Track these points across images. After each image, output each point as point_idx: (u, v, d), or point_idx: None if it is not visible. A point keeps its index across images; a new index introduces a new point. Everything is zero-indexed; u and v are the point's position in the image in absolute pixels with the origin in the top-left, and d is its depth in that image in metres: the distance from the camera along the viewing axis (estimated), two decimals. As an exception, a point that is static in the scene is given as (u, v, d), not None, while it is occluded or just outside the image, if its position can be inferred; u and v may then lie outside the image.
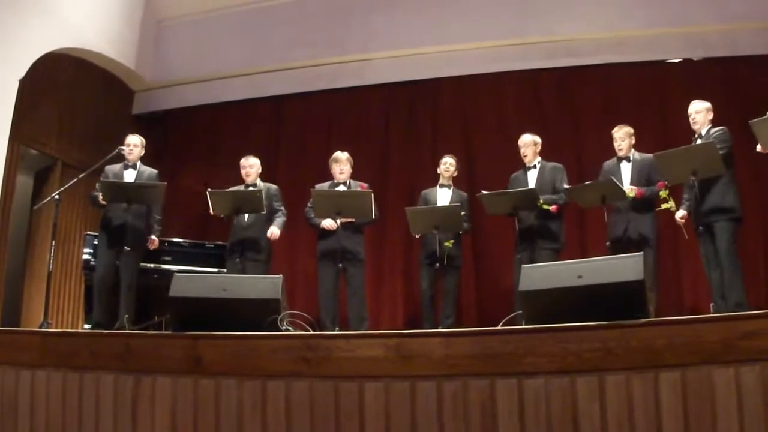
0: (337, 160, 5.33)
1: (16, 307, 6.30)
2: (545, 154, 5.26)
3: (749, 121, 4.12)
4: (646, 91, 6.27)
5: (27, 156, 6.41)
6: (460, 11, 6.68)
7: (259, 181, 5.45)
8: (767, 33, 5.88)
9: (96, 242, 5.58)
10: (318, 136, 7.07)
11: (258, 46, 7.26)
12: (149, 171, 5.37)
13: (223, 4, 7.37)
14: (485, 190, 5.07)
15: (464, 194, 5.46)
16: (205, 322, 3.21)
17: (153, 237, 5.32)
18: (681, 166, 4.34)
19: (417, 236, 5.34)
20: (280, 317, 3.26)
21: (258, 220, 5.27)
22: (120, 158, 5.36)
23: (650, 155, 4.71)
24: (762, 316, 2.60)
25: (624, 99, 6.28)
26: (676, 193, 4.66)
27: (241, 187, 5.40)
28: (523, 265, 3.29)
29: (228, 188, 5.40)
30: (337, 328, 4.97)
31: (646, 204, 4.76)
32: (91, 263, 5.73)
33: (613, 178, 4.72)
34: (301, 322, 3.66)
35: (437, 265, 5.04)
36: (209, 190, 5.09)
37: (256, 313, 3.26)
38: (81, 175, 5.42)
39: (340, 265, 5.05)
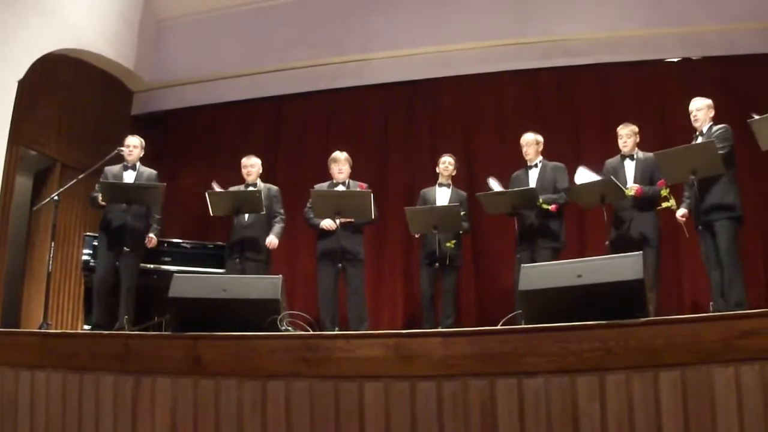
0: (335, 160, 5.33)
1: (16, 308, 6.30)
2: (544, 153, 5.26)
3: (748, 120, 4.12)
4: (644, 91, 6.27)
5: (26, 157, 6.41)
6: (459, 11, 6.68)
7: (259, 182, 5.45)
8: (765, 33, 5.88)
9: (95, 243, 5.58)
10: (317, 136, 7.07)
11: (257, 46, 7.26)
12: (149, 172, 5.37)
13: (222, 4, 7.37)
14: (484, 190, 5.07)
15: (463, 193, 5.46)
16: (204, 323, 3.21)
17: (151, 235, 5.31)
18: (680, 165, 4.34)
19: (416, 236, 5.34)
20: (279, 317, 3.26)
21: (258, 220, 5.27)
22: (119, 159, 5.36)
23: (651, 154, 4.71)
24: (761, 315, 2.60)
25: (623, 98, 6.28)
26: (676, 192, 4.67)
27: (241, 187, 5.40)
28: (522, 265, 3.29)
29: (228, 188, 5.41)
30: (336, 329, 4.97)
31: (648, 203, 4.76)
32: (91, 264, 5.74)
33: (612, 177, 4.72)
34: (301, 323, 3.66)
35: (437, 264, 5.04)
36: (208, 191, 5.09)
37: (256, 314, 3.26)
38: (80, 176, 5.42)
39: (340, 265, 5.06)
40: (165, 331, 4.91)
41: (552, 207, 4.90)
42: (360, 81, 7.01)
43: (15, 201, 6.17)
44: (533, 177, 5.14)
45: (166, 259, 6.01)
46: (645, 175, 4.82)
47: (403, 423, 2.80)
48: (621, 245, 4.58)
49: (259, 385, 3.00)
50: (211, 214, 5.15)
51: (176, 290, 3.36)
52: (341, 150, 5.41)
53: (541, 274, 3.08)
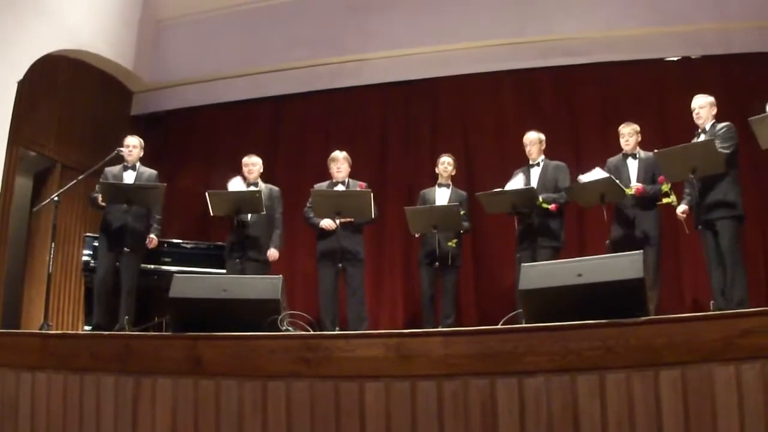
0: (334, 159, 5.33)
1: (16, 309, 6.30)
2: (544, 152, 5.25)
3: (748, 119, 4.12)
4: (644, 90, 6.27)
5: (26, 158, 6.41)
6: (457, 11, 6.68)
7: (260, 181, 5.46)
8: (763, 31, 5.88)
9: (96, 244, 5.58)
10: (317, 136, 7.07)
11: (257, 46, 7.26)
12: (149, 172, 5.37)
13: (221, 4, 7.36)
14: (484, 189, 5.07)
15: (463, 193, 5.46)
16: (205, 323, 3.21)
17: (152, 236, 5.31)
18: (680, 163, 4.33)
19: (416, 235, 5.34)
20: (280, 318, 3.26)
21: (258, 220, 5.27)
22: (119, 159, 5.36)
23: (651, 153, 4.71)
24: (761, 314, 2.60)
25: (622, 97, 6.28)
26: (677, 188, 4.66)
27: (242, 186, 5.39)
28: (522, 264, 3.29)
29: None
30: (337, 328, 4.97)
31: (649, 201, 4.76)
32: (91, 265, 5.73)
33: (611, 176, 4.72)
34: (301, 323, 3.66)
35: (437, 264, 5.04)
36: (208, 191, 5.09)
37: (256, 314, 3.26)
38: (80, 177, 5.42)
39: (340, 265, 5.05)
40: (165, 331, 4.91)
41: (552, 206, 4.90)
42: (359, 81, 7.01)
43: (15, 202, 6.17)
44: (535, 175, 5.14)
45: (167, 259, 6.01)
46: (648, 174, 4.82)
47: (403, 423, 2.80)
48: (622, 244, 4.58)
49: (260, 385, 3.00)
50: (212, 214, 5.15)
51: (176, 290, 3.36)
52: (340, 150, 5.41)
53: (541, 273, 3.08)
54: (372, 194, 4.92)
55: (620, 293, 2.78)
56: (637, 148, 4.94)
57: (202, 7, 7.44)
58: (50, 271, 5.06)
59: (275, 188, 5.53)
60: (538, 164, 5.17)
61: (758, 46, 5.91)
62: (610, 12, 6.31)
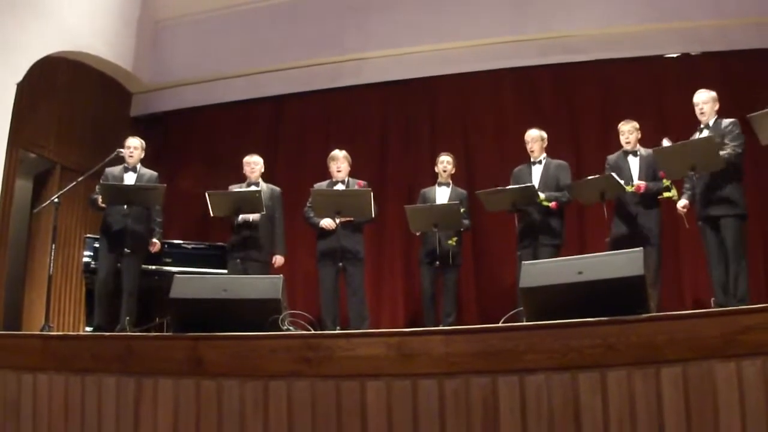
0: (334, 159, 5.33)
1: (17, 311, 6.30)
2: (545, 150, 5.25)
3: (748, 116, 4.12)
4: (643, 87, 6.26)
5: (26, 160, 6.41)
6: (457, 10, 6.67)
7: (261, 181, 5.46)
8: (762, 28, 5.88)
9: (96, 245, 5.58)
10: (317, 136, 7.07)
11: (256, 46, 7.25)
12: (149, 174, 5.37)
13: (220, 4, 7.36)
14: (485, 187, 5.06)
15: (463, 192, 5.46)
16: (205, 323, 3.21)
17: (155, 240, 5.32)
18: (679, 161, 4.33)
19: (417, 234, 5.34)
20: (280, 317, 3.26)
21: (260, 220, 5.27)
22: (119, 161, 5.36)
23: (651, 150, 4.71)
24: (762, 310, 2.60)
25: (621, 95, 6.27)
26: (677, 182, 4.66)
27: (243, 186, 5.40)
28: (523, 262, 3.29)
29: (228, 188, 5.41)
30: (338, 328, 4.97)
31: (652, 199, 4.76)
32: (92, 266, 5.73)
33: (612, 173, 4.71)
34: (302, 322, 3.66)
35: (437, 263, 5.04)
36: (208, 191, 5.09)
37: (257, 314, 3.26)
38: (80, 178, 5.43)
39: (340, 264, 5.05)
40: (166, 332, 4.91)
41: (552, 204, 4.90)
42: (359, 80, 7.01)
43: (15, 204, 6.18)
44: (537, 173, 5.13)
45: (167, 260, 6.01)
46: (649, 171, 4.80)
47: (405, 421, 2.81)
48: (623, 242, 4.57)
49: (261, 385, 3.00)
50: (212, 215, 5.15)
51: (177, 291, 3.36)
52: (340, 149, 5.41)
53: (542, 271, 3.08)
54: (372, 193, 4.92)
55: (621, 290, 2.79)
56: (638, 145, 4.94)
57: (201, 8, 7.44)
58: (51, 272, 5.07)
59: (276, 188, 5.53)
60: (539, 162, 5.16)
61: (757, 43, 5.90)
62: (609, 9, 6.31)
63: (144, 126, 7.38)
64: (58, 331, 5.70)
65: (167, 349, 3.21)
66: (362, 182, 5.33)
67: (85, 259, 5.98)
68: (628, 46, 6.25)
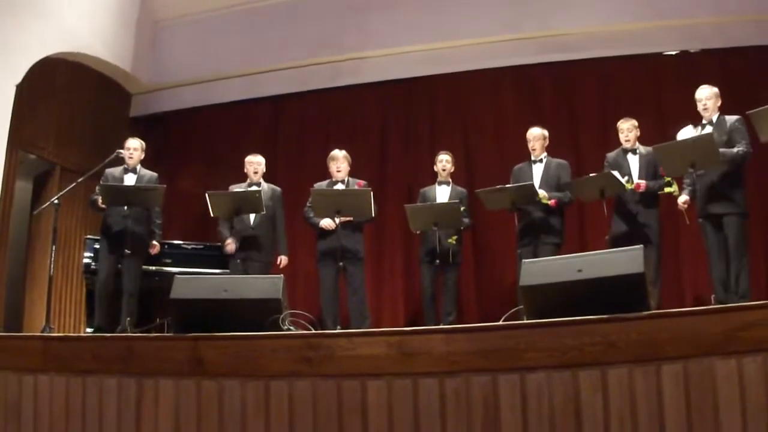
0: (334, 159, 5.33)
1: (18, 313, 6.30)
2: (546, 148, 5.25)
3: (748, 113, 4.12)
4: (642, 85, 6.26)
5: (26, 161, 6.41)
6: (456, 8, 6.67)
7: (262, 181, 5.46)
8: (761, 25, 5.87)
9: (96, 246, 5.58)
10: (316, 136, 7.07)
11: (255, 46, 7.25)
12: (149, 174, 5.37)
13: (219, 4, 7.35)
14: (484, 185, 5.06)
15: (463, 190, 5.46)
16: (206, 324, 3.21)
17: (154, 242, 5.32)
18: (679, 158, 4.33)
19: (417, 232, 5.34)
20: (281, 317, 3.26)
21: (261, 221, 5.27)
22: (119, 161, 5.36)
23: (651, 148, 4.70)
24: (762, 307, 2.60)
25: (620, 92, 6.27)
26: (677, 179, 4.65)
27: (243, 186, 5.40)
28: (523, 260, 3.29)
29: (229, 188, 5.41)
30: (338, 327, 4.97)
31: (652, 198, 4.76)
32: (92, 267, 5.73)
33: (611, 171, 4.71)
34: (303, 322, 3.66)
35: (437, 262, 5.04)
36: (208, 191, 5.09)
37: (258, 314, 3.26)
38: (80, 179, 5.42)
39: (340, 264, 5.05)
40: (167, 332, 4.91)
41: (551, 202, 4.90)
42: (358, 79, 7.01)
43: (15, 205, 6.18)
44: (537, 171, 5.13)
45: (167, 260, 6.01)
46: (650, 169, 4.80)
47: (405, 420, 2.81)
48: (623, 240, 4.58)
49: (262, 384, 3.00)
50: (212, 215, 5.15)
51: (178, 292, 3.36)
52: (340, 149, 5.41)
53: (542, 269, 3.08)
54: (372, 193, 4.93)
55: (621, 288, 2.78)
56: (637, 143, 4.94)
57: (200, 8, 7.43)
58: (51, 274, 5.07)
59: (277, 188, 5.53)
60: (540, 161, 5.16)
61: (756, 40, 5.90)
62: (608, 7, 6.30)
63: (143, 126, 7.39)
64: (58, 332, 5.70)
65: (168, 349, 3.21)
66: (362, 182, 5.33)
67: (86, 260, 5.98)
68: (627, 44, 6.24)
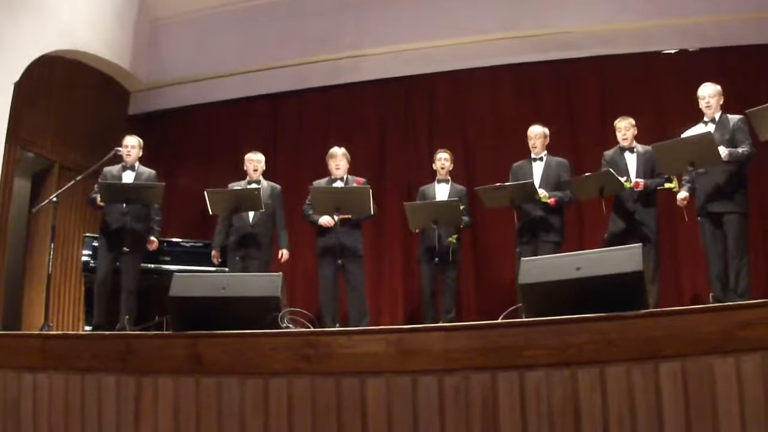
0: (333, 156, 5.33)
1: (17, 311, 6.30)
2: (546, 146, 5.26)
3: (747, 111, 4.12)
4: (641, 83, 6.26)
5: (24, 159, 6.40)
6: (454, 6, 6.67)
7: (262, 179, 5.46)
8: (760, 23, 5.88)
9: (95, 244, 5.58)
10: (315, 133, 7.06)
11: (253, 44, 7.25)
12: (148, 172, 5.36)
13: (217, 2, 7.34)
14: (484, 184, 5.06)
15: (462, 188, 5.46)
16: (205, 322, 3.21)
17: (152, 238, 5.32)
18: (678, 157, 4.33)
19: (416, 231, 5.34)
20: (280, 315, 3.26)
21: (260, 218, 5.27)
22: (117, 159, 5.35)
23: (650, 147, 4.70)
24: (761, 306, 2.60)
25: (620, 91, 6.27)
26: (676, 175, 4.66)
27: (242, 184, 5.40)
28: (522, 258, 3.30)
29: (228, 186, 5.41)
30: (337, 325, 4.97)
31: (649, 197, 4.76)
32: (91, 265, 5.73)
33: (611, 169, 4.71)
34: (302, 320, 3.67)
35: (436, 260, 5.04)
36: (207, 189, 5.09)
37: (256, 312, 3.26)
38: (78, 177, 5.42)
39: (339, 261, 5.05)
40: (166, 330, 4.91)
41: (551, 200, 4.91)
42: (356, 77, 7.00)
43: (14, 203, 6.17)
44: (538, 170, 5.13)
45: (166, 258, 6.01)
46: (647, 167, 4.80)
47: (405, 418, 2.81)
48: (620, 238, 4.58)
49: (261, 382, 3.00)
50: (210, 213, 5.15)
51: (176, 289, 3.36)
52: (339, 146, 5.41)
53: (540, 267, 3.09)
54: (370, 190, 4.93)
55: (619, 286, 2.79)
56: (634, 141, 4.94)
57: (199, 6, 7.42)
58: (50, 271, 5.07)
59: (276, 186, 5.53)
60: (540, 159, 5.16)
61: (755, 38, 5.90)
62: (607, 5, 6.30)
63: (142, 124, 7.37)
64: (57, 330, 5.70)
65: (167, 347, 3.21)
66: (361, 179, 5.33)
67: (84, 258, 5.98)
68: (626, 42, 6.24)
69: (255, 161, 5.43)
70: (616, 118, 5.04)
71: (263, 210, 5.16)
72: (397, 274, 6.62)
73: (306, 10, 7.15)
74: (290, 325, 3.35)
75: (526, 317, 2.99)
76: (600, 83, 6.44)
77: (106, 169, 5.34)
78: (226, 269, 5.43)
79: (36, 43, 6.10)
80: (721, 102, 4.54)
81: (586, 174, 4.86)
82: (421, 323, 5.06)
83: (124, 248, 5.05)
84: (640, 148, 4.90)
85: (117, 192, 5.04)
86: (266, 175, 5.63)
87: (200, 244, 6.27)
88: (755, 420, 2.46)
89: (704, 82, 4.62)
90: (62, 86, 6.68)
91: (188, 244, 6.26)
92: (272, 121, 7.39)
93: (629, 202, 4.78)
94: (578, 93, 6.50)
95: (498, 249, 6.17)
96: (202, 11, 7.45)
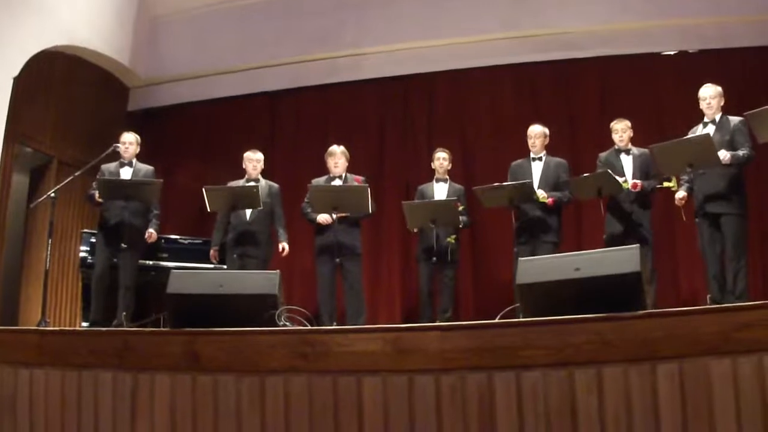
0: (332, 154, 5.33)
1: (14, 306, 6.29)
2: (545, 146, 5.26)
3: (746, 113, 4.13)
4: (641, 84, 6.26)
5: (22, 154, 6.40)
6: (454, 5, 6.67)
7: (261, 178, 5.45)
8: (760, 25, 5.88)
9: (93, 240, 5.57)
10: (313, 132, 7.06)
11: (253, 41, 7.24)
12: (146, 168, 5.36)
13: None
14: (482, 183, 5.06)
15: (461, 187, 5.46)
16: (202, 319, 3.21)
17: (151, 230, 5.31)
18: (677, 158, 4.33)
19: (414, 230, 5.33)
20: (277, 313, 3.26)
21: (258, 217, 5.27)
22: (115, 155, 5.35)
23: (646, 150, 4.70)
24: (758, 307, 2.60)
25: (619, 91, 6.27)
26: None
27: (241, 182, 5.39)
28: (520, 258, 3.30)
29: (226, 184, 5.41)
30: (335, 323, 4.97)
31: (646, 199, 4.76)
32: (88, 261, 5.73)
33: (609, 170, 4.71)
34: (299, 318, 3.67)
35: (434, 259, 5.04)
36: (205, 186, 5.08)
37: (254, 309, 3.26)
38: (77, 173, 5.42)
39: (337, 260, 5.05)
40: (163, 327, 4.91)
41: (549, 200, 4.90)
42: (355, 76, 7.00)
43: (12, 198, 6.16)
44: (537, 169, 5.12)
45: (164, 255, 6.00)
46: (643, 169, 4.81)
47: (401, 417, 2.81)
48: (618, 240, 4.58)
49: (258, 380, 3.00)
50: (209, 210, 5.15)
51: (174, 286, 3.36)
52: (338, 144, 5.41)
53: (538, 267, 3.09)
54: (369, 188, 4.93)
55: (617, 287, 2.79)
56: (629, 143, 4.94)
57: (198, 3, 7.42)
58: (47, 267, 5.06)
59: (274, 185, 5.52)
60: (540, 158, 5.16)
61: (755, 40, 5.90)
62: (608, 6, 6.30)
63: (141, 120, 7.37)
64: (54, 326, 5.68)
65: (164, 344, 3.21)
66: (360, 177, 5.33)
67: (82, 254, 5.97)
68: (626, 43, 6.24)
69: (254, 160, 5.42)
70: (615, 119, 5.04)
71: (261, 207, 5.15)
72: (395, 273, 6.62)
73: (305, 8, 7.15)
74: (287, 323, 3.34)
75: (523, 317, 2.99)
76: (600, 84, 6.45)
77: (104, 166, 5.33)
78: (225, 267, 5.42)
79: (35, 38, 6.09)
80: (722, 103, 4.54)
81: (585, 174, 4.86)
82: (418, 322, 5.07)
83: (122, 244, 5.04)
84: (635, 150, 4.90)
85: (116, 188, 5.03)
86: (264, 173, 5.62)
87: (198, 241, 6.26)
88: (751, 422, 2.46)
89: (704, 84, 4.63)
90: (61, 82, 6.67)
91: (186, 241, 6.25)
92: (271, 119, 7.39)
93: (626, 203, 4.78)
94: (578, 93, 6.50)
95: (496, 249, 6.17)
96: (201, 8, 7.45)
